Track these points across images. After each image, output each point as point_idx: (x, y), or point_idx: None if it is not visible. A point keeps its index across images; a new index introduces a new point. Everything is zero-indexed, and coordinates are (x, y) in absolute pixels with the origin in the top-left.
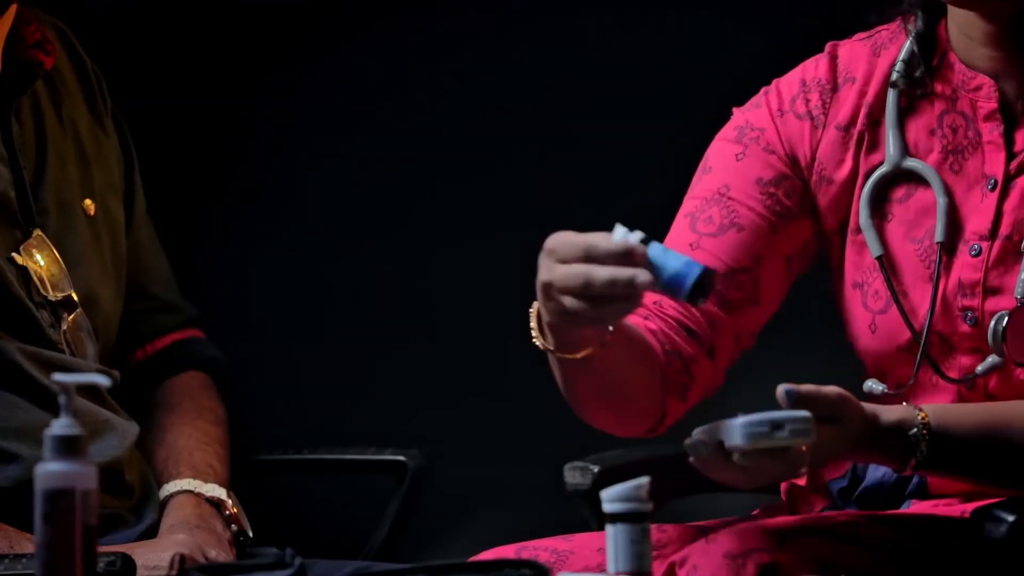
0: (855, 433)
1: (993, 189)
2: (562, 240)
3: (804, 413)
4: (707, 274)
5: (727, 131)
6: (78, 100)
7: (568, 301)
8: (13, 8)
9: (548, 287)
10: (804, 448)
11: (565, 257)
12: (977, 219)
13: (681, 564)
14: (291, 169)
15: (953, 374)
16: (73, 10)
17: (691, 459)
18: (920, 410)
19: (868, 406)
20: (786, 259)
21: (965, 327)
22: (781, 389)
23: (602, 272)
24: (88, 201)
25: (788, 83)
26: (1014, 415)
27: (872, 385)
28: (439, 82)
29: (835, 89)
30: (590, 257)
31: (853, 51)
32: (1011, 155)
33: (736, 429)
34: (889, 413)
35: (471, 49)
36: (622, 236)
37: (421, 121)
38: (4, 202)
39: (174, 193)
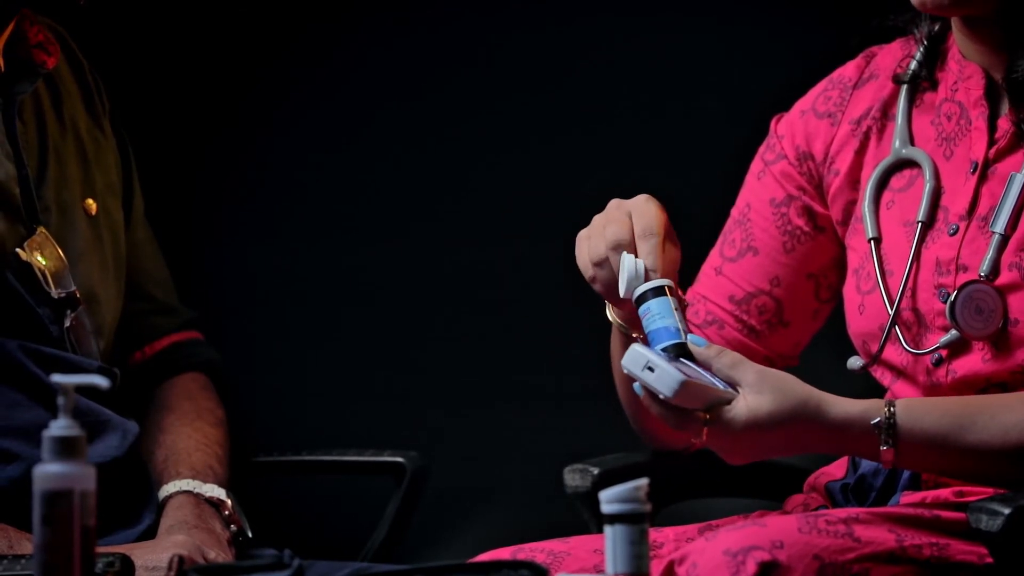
0: (786, 417)
1: (974, 172)
2: (644, 208)
3: (680, 376)
4: (676, 346)
5: (763, 144)
6: (77, 101)
7: (594, 224)
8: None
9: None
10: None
11: (631, 210)
12: (959, 201)
13: (680, 562)
14: (290, 171)
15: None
16: (71, 12)
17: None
18: (891, 403)
19: (819, 396)
20: (808, 276)
21: (939, 304)
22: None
23: (619, 228)
24: (90, 200)
25: (819, 84)
26: (980, 408)
27: (853, 361)
28: (442, 81)
29: (856, 86)
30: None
31: (888, 52)
32: (992, 141)
33: (630, 348)
34: (851, 404)
35: (473, 45)
36: (631, 265)
37: (421, 124)
38: (8, 198)
39: (173, 194)
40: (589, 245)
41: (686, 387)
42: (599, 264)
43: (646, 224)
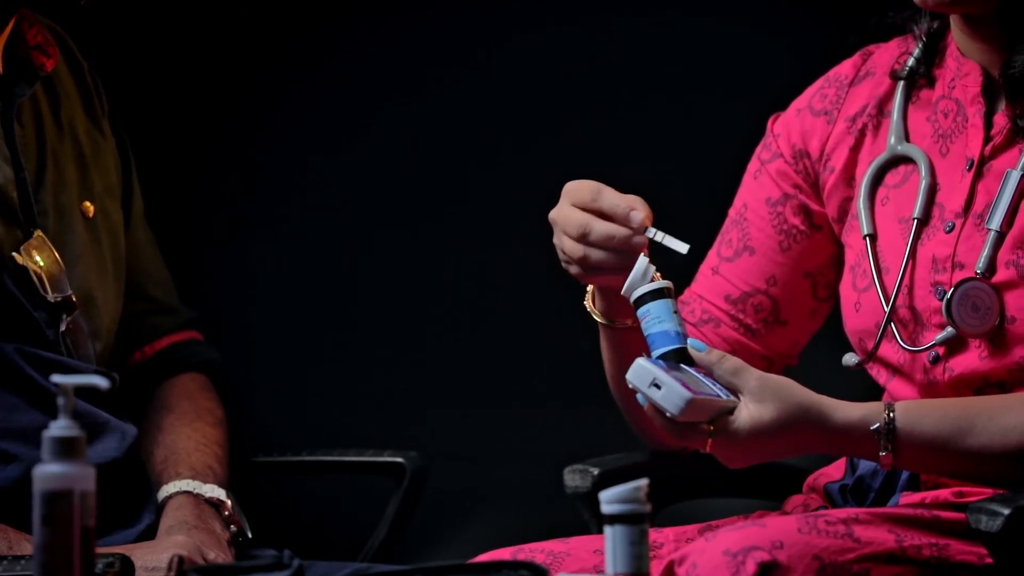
0: (788, 424)
1: (970, 169)
2: (579, 185)
3: (687, 395)
4: (676, 351)
5: (760, 143)
6: (75, 103)
7: (567, 242)
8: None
9: (554, 224)
10: (705, 425)
11: (576, 201)
12: (954, 198)
13: (680, 562)
14: (290, 171)
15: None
16: (71, 12)
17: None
18: (890, 407)
19: (820, 401)
20: (805, 275)
21: (935, 302)
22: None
23: (601, 226)
24: (87, 203)
25: (816, 83)
26: (979, 410)
27: (849, 358)
28: (442, 81)
29: (852, 83)
30: (598, 209)
31: (885, 50)
32: (988, 138)
33: (634, 363)
34: (852, 409)
35: (473, 45)
36: (642, 267)
37: (421, 124)
38: (6, 201)
39: (173, 194)
40: (581, 274)
41: (692, 404)
42: (582, 276)
43: (576, 206)
